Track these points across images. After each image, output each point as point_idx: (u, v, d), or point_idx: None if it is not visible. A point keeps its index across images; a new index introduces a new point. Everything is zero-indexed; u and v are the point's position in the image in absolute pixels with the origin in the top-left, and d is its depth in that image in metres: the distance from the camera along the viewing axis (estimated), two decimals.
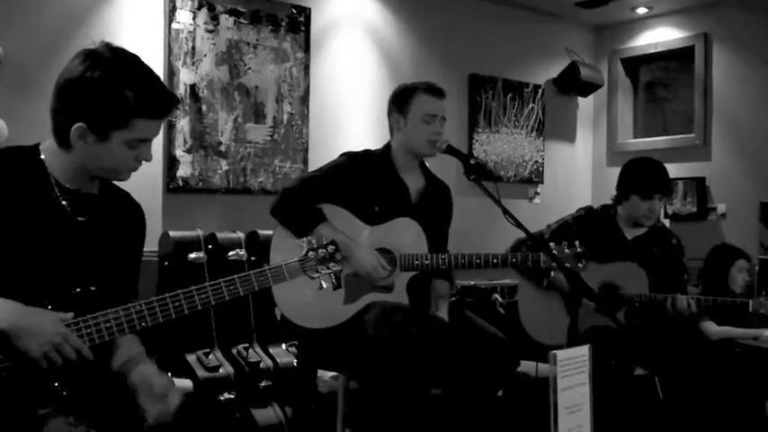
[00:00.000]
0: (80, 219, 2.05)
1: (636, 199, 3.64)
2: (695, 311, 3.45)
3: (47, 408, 1.88)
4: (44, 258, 1.96)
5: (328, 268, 2.20)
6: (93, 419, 1.90)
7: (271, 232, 3.17)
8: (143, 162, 2.05)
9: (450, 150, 3.19)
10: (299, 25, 5.14)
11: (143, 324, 1.98)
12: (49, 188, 2.01)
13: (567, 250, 3.16)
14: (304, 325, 3.06)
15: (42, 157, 2.03)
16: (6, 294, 1.87)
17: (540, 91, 6.52)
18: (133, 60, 2.01)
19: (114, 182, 2.16)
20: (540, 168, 6.53)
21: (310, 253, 2.20)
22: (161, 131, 2.12)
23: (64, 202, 2.02)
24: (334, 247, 2.21)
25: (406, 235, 3.18)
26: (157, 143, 4.51)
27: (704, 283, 4.34)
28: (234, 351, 4.23)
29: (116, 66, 1.96)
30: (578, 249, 3.17)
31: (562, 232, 3.60)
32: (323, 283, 2.22)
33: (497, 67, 6.27)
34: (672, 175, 6.10)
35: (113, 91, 1.92)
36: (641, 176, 3.66)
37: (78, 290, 1.97)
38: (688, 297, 3.44)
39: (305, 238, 2.19)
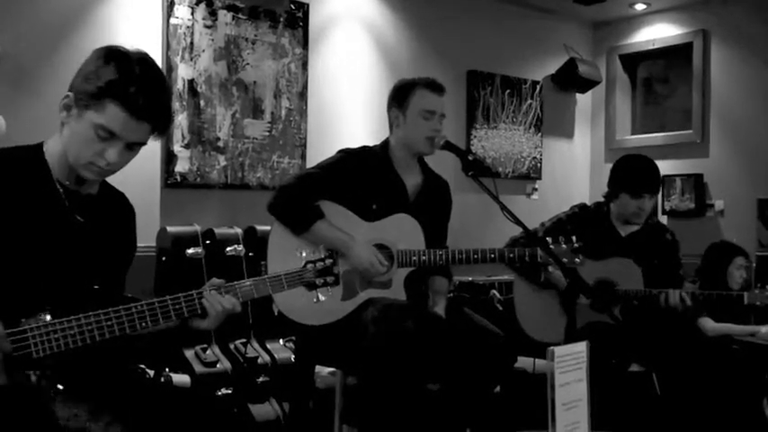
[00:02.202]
0: (80, 219, 2.04)
1: (626, 197, 3.64)
2: (690, 306, 3.45)
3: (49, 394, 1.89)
4: (45, 257, 1.96)
5: (326, 282, 2.22)
6: (96, 404, 1.90)
7: (268, 228, 3.17)
8: (109, 163, 1.96)
9: (449, 146, 3.19)
10: (297, 21, 5.13)
11: (143, 324, 1.98)
12: (52, 188, 2.01)
13: (563, 246, 3.17)
14: (301, 322, 3.06)
15: (46, 157, 2.02)
16: (6, 293, 1.87)
17: (538, 87, 6.52)
18: (145, 61, 1.97)
19: (111, 182, 2.15)
20: (539, 165, 6.53)
21: (309, 265, 2.22)
22: (149, 137, 2.02)
23: (66, 203, 2.02)
24: (332, 260, 2.23)
25: (403, 231, 3.17)
26: None
27: (702, 280, 4.34)
28: (231, 346, 4.24)
29: (123, 54, 1.95)
30: (575, 244, 3.17)
31: (556, 230, 3.60)
32: (320, 296, 2.26)
33: (495, 63, 6.27)
34: (670, 172, 6.21)
35: (104, 66, 1.92)
36: (631, 175, 3.66)
37: (79, 288, 1.98)
38: (681, 292, 3.44)
39: (303, 250, 2.22)
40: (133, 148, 2.00)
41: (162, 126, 2.02)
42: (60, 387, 1.90)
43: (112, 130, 1.93)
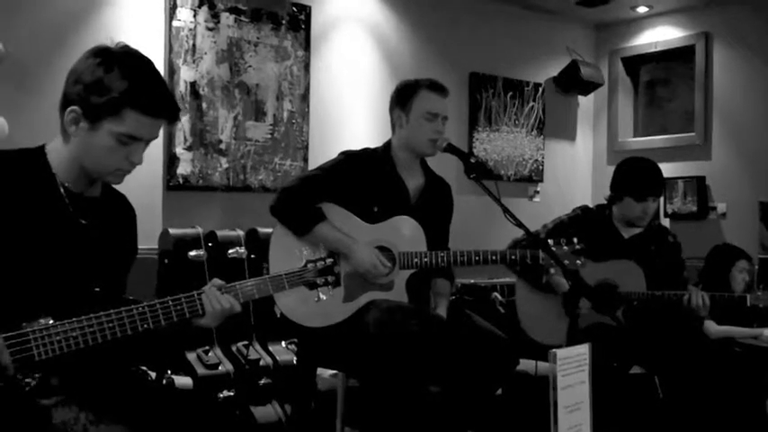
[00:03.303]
0: (83, 222, 2.05)
1: (630, 200, 3.64)
2: (708, 306, 3.44)
3: (47, 398, 1.89)
4: (48, 260, 1.96)
5: (326, 281, 2.22)
6: (97, 408, 1.90)
7: (270, 230, 3.17)
8: (134, 164, 2.02)
9: (451, 149, 3.18)
10: (299, 23, 5.14)
11: (144, 326, 1.98)
12: (55, 191, 2.01)
13: (565, 247, 3.16)
14: (303, 323, 3.06)
15: (48, 159, 2.03)
16: (9, 296, 1.87)
17: (540, 89, 6.52)
18: (140, 58, 2.00)
19: (115, 185, 2.16)
20: (541, 167, 6.53)
21: (309, 265, 2.22)
22: (160, 130, 2.08)
23: (69, 206, 2.02)
24: (332, 260, 2.23)
25: (405, 233, 3.17)
26: (158, 140, 4.51)
27: (705, 282, 4.33)
28: (233, 349, 4.23)
29: (119, 57, 1.96)
30: (577, 246, 3.17)
31: (558, 232, 3.59)
32: (321, 295, 2.26)
33: (498, 65, 6.27)
34: (672, 174, 6.21)
35: (108, 75, 1.92)
36: (635, 178, 3.65)
37: (82, 291, 1.98)
38: (703, 293, 3.43)
39: (304, 250, 2.22)
40: (149, 142, 2.05)
41: (176, 116, 2.10)
42: (61, 391, 1.90)
43: (136, 135, 1.97)
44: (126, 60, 1.96)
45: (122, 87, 1.92)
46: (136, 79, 1.94)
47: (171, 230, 4.30)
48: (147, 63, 2.00)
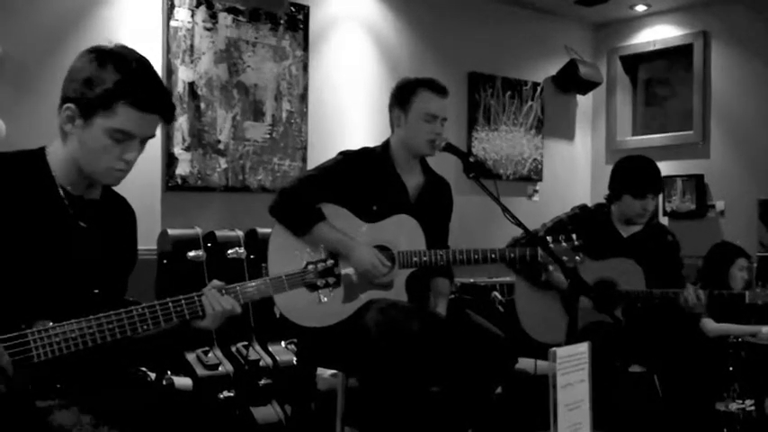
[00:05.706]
0: (82, 224, 2.04)
1: (629, 198, 3.64)
2: (705, 303, 3.44)
3: (47, 401, 1.88)
4: (48, 263, 1.96)
5: (327, 283, 2.22)
6: (98, 411, 1.90)
7: (269, 230, 3.17)
8: (128, 163, 2.00)
9: (450, 148, 3.18)
10: (297, 23, 5.14)
11: (144, 327, 1.98)
12: (55, 193, 2.01)
13: (563, 244, 3.16)
14: (302, 324, 3.06)
15: (48, 161, 2.02)
16: (9, 298, 1.87)
17: (538, 89, 6.52)
18: (134, 54, 2.00)
19: (113, 186, 2.15)
20: (539, 166, 6.53)
21: (310, 266, 2.21)
22: (158, 130, 2.07)
23: (68, 208, 2.02)
24: (333, 261, 2.23)
25: (404, 232, 3.17)
26: (156, 141, 4.52)
27: (704, 281, 4.33)
28: (233, 349, 4.23)
29: (114, 53, 1.96)
30: (575, 243, 3.17)
31: (557, 231, 3.59)
32: (322, 297, 2.25)
33: (496, 64, 6.27)
34: (670, 173, 6.21)
35: (102, 70, 1.92)
36: (633, 176, 3.65)
37: (81, 293, 1.98)
38: (697, 289, 3.42)
39: (304, 251, 2.22)
40: (145, 142, 2.03)
41: (170, 113, 2.06)
42: (61, 393, 1.90)
43: (129, 131, 1.96)
44: (120, 56, 1.96)
45: (114, 80, 1.91)
46: (128, 73, 1.93)
47: (170, 231, 4.30)
48: (141, 59, 2.00)
